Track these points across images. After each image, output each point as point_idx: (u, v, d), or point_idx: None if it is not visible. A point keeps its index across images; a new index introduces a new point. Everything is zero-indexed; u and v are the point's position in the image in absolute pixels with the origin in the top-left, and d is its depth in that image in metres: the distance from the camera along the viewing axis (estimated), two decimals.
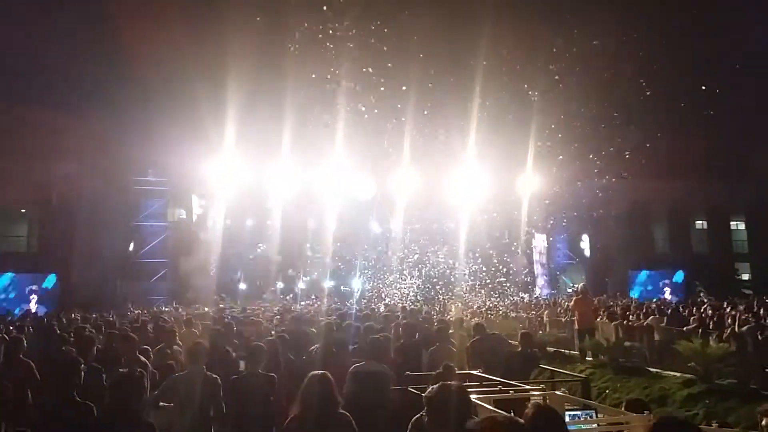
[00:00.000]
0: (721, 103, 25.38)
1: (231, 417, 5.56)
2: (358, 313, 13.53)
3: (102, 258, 28.77)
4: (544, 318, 19.82)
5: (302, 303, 25.41)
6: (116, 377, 4.11)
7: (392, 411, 5.36)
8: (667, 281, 36.25)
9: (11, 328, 11.90)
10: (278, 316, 14.84)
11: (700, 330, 12.93)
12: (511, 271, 26.92)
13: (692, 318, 14.57)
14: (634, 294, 32.43)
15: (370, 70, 20.92)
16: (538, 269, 35.36)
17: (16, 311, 23.95)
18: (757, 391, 9.13)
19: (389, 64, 20.77)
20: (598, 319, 15.48)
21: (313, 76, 20.32)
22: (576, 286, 24.69)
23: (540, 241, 35.01)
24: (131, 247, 32.71)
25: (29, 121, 25.68)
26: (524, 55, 21.60)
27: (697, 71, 23.99)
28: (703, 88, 22.75)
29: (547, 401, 4.57)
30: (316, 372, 4.18)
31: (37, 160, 26.66)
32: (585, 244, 36.94)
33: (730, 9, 27.15)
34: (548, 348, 15.11)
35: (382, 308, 19.40)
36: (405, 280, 26.49)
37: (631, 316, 16.02)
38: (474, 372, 6.77)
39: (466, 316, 18.79)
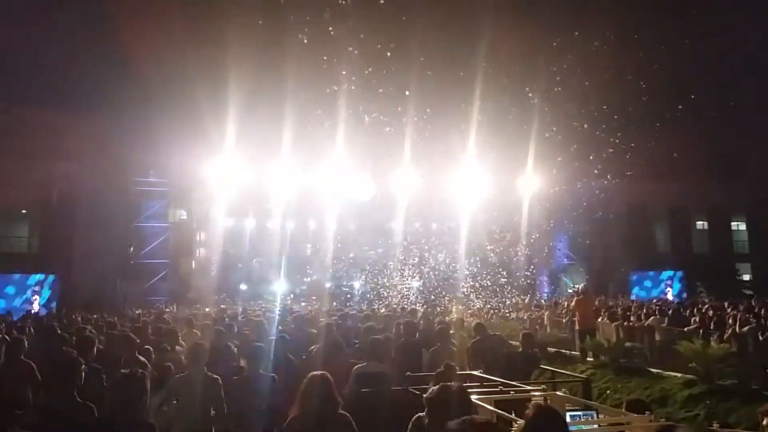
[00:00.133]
0: (721, 103, 25.41)
1: (232, 417, 5.56)
2: (359, 314, 13.53)
3: (103, 258, 28.76)
4: (545, 318, 19.84)
5: (302, 303, 25.41)
6: (118, 377, 4.10)
7: (393, 411, 5.36)
8: (668, 282, 36.26)
9: (13, 329, 11.91)
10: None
11: (701, 330, 12.93)
12: (511, 272, 26.92)
13: (693, 318, 14.56)
14: (638, 294, 32.45)
15: (370, 70, 20.93)
16: (538, 270, 35.34)
17: (14, 311, 23.99)
18: (758, 391, 9.11)
19: (391, 68, 20.78)
20: (599, 320, 15.49)
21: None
22: (577, 286, 24.67)
23: (540, 242, 35.00)
24: (132, 247, 32.71)
25: (30, 122, 25.70)
26: (524, 56, 21.61)
27: (698, 71, 24.02)
28: (706, 88, 22.76)
29: (548, 402, 4.58)
30: (316, 372, 4.17)
31: (38, 161, 26.70)
32: (586, 244, 36.92)
33: (731, 9, 27.16)
34: (549, 348, 15.10)
35: (382, 309, 19.40)
36: (405, 281, 26.50)
37: (631, 317, 16.02)
38: (475, 372, 6.77)
39: (467, 317, 18.78)
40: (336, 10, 20.02)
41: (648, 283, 36.03)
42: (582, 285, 20.87)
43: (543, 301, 27.92)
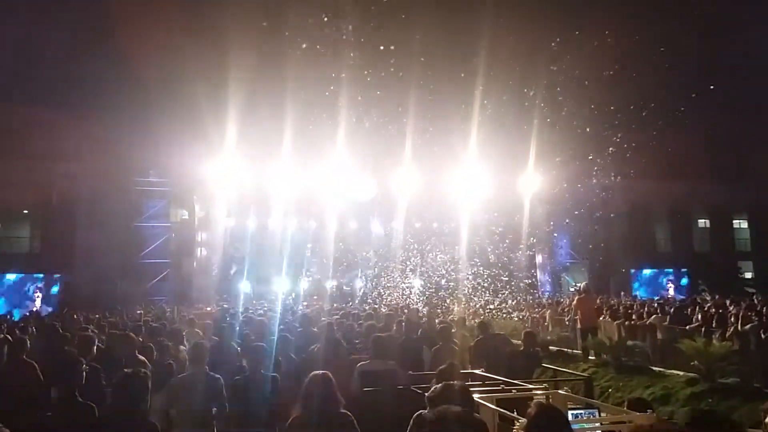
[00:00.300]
0: (723, 101, 25.39)
1: (233, 417, 5.56)
2: (360, 313, 13.54)
3: (104, 259, 28.78)
4: (547, 317, 19.83)
5: (304, 303, 25.42)
6: (120, 377, 4.10)
7: (396, 409, 5.35)
8: (669, 280, 36.26)
9: (15, 330, 11.92)
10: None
11: (702, 329, 12.91)
12: (512, 271, 26.90)
13: (695, 317, 14.55)
14: (641, 293, 32.42)
15: (370, 71, 20.92)
16: (540, 269, 35.34)
17: (15, 312, 24.05)
18: (760, 389, 9.12)
19: (390, 69, 20.77)
20: (601, 318, 15.49)
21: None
22: (578, 285, 24.67)
23: (542, 241, 34.99)
24: (133, 248, 32.71)
25: (31, 122, 25.73)
26: (525, 55, 21.58)
27: (699, 70, 24.00)
28: (711, 87, 22.73)
29: (550, 400, 4.58)
30: (318, 372, 4.16)
31: (38, 161, 26.72)
32: (587, 243, 36.91)
33: (731, 9, 27.14)
34: (551, 347, 15.12)
35: (384, 309, 19.40)
36: (406, 281, 26.48)
37: (633, 315, 16.02)
38: (476, 371, 6.76)
39: (468, 316, 18.79)
40: (336, 10, 20.03)
41: (648, 280, 36.04)
42: (583, 284, 20.90)
43: (544, 300, 27.91)
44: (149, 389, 4.15)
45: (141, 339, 7.84)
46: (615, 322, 15.18)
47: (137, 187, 32.47)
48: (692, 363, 10.31)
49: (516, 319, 21.19)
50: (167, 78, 24.99)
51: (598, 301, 18.25)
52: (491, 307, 23.20)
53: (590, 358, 13.19)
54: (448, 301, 24.06)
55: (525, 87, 22.48)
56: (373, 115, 21.91)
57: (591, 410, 4.54)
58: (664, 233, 38.90)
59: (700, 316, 14.27)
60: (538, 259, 35.34)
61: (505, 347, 8.46)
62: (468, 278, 24.89)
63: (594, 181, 26.49)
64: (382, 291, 27.12)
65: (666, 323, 14.08)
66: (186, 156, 27.41)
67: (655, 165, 27.08)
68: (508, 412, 4.21)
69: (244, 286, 32.18)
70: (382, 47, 20.49)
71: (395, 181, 24.25)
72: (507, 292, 25.39)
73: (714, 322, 13.49)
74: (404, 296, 25.44)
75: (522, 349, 8.25)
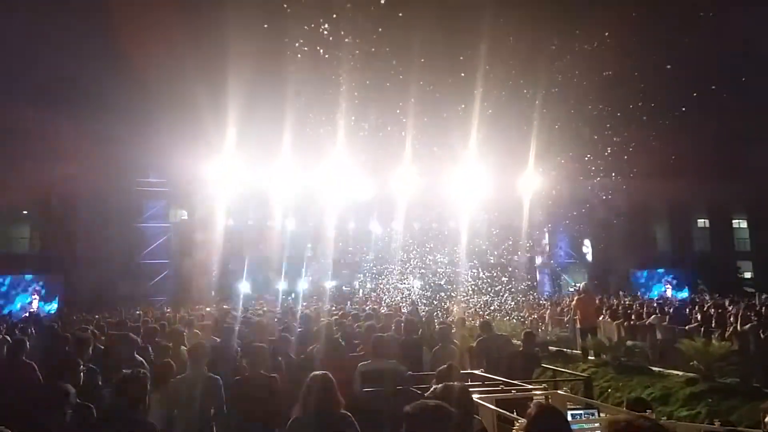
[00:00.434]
0: (722, 100, 25.38)
1: (233, 418, 5.56)
2: (360, 314, 13.54)
3: (104, 259, 28.80)
4: (546, 317, 19.84)
5: (304, 303, 25.41)
6: (120, 377, 4.10)
7: (396, 409, 5.35)
8: (669, 279, 36.25)
9: (15, 330, 11.93)
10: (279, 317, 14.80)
11: (702, 328, 12.94)
12: (512, 272, 26.88)
13: (694, 317, 14.56)
14: (642, 293, 32.41)
15: (370, 72, 20.90)
16: (539, 269, 35.34)
17: (15, 311, 24.05)
18: (760, 389, 9.12)
19: (390, 71, 20.76)
20: (600, 319, 15.49)
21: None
22: (578, 285, 24.67)
23: (541, 241, 34.99)
24: (133, 248, 32.71)
25: (30, 123, 25.72)
26: (525, 55, 21.58)
27: (699, 70, 23.99)
28: (708, 86, 22.71)
29: (550, 400, 4.58)
30: (318, 372, 4.16)
31: (38, 162, 26.69)
32: (586, 243, 36.93)
33: (731, 9, 27.12)
34: (550, 347, 15.11)
35: (383, 309, 19.39)
36: (406, 281, 26.46)
37: (633, 315, 16.03)
38: (476, 372, 6.77)
39: (468, 316, 18.79)
40: (336, 11, 20.01)
41: (647, 280, 36.03)
42: (583, 284, 20.89)
43: (544, 300, 27.91)
44: (148, 389, 4.16)
45: (140, 339, 7.82)
46: (614, 322, 15.19)
47: (137, 187, 32.48)
48: (692, 363, 10.31)
49: (515, 318, 21.19)
50: (167, 78, 24.98)
51: (597, 301, 18.26)
52: (491, 307, 23.20)
53: (590, 358, 13.18)
54: (447, 303, 24.05)
55: (525, 87, 22.47)
56: (372, 115, 21.91)
57: (590, 410, 4.55)
58: (665, 233, 38.91)
59: (699, 316, 14.30)
60: (538, 259, 35.34)
61: (507, 348, 8.47)
62: (467, 279, 24.88)
63: (594, 181, 26.47)
64: (380, 293, 27.10)
65: (665, 323, 14.09)
66: (186, 156, 27.39)
67: (655, 165, 27.06)
68: (508, 413, 4.21)
69: (244, 287, 32.18)
70: (381, 47, 20.48)
71: (395, 181, 24.25)
72: (506, 292, 25.38)
73: (713, 321, 13.52)
74: (404, 297, 25.41)
75: (521, 349, 8.26)
